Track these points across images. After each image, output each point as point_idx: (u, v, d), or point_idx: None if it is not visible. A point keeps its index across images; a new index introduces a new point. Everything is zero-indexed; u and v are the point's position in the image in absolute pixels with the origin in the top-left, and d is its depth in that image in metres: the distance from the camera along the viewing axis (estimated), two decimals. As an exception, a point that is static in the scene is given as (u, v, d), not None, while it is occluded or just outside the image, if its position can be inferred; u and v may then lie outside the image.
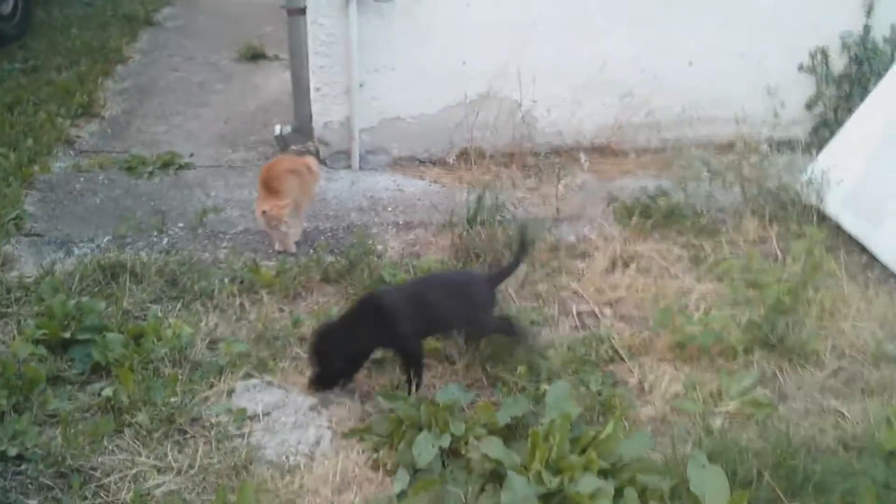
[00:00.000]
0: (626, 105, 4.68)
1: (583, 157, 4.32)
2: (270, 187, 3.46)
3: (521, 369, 2.67)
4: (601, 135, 4.76)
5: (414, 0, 4.19)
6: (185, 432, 2.44)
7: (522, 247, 2.97)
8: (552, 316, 3.10)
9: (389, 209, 4.15)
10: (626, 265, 3.43)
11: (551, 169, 4.40)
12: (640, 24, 4.52)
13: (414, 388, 2.64)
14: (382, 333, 2.63)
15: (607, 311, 3.17)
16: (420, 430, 2.37)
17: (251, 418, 2.54)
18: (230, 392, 2.64)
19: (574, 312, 3.16)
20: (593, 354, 2.84)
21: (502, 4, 4.32)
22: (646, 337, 2.97)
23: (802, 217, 3.78)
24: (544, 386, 2.59)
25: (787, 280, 3.24)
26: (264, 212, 3.38)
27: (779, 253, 3.58)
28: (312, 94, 4.39)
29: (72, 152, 4.64)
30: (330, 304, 3.18)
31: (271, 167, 3.60)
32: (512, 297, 3.23)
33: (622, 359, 2.86)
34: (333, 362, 2.62)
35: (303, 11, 4.21)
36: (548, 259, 3.49)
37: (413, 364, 2.67)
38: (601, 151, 4.77)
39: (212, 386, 2.65)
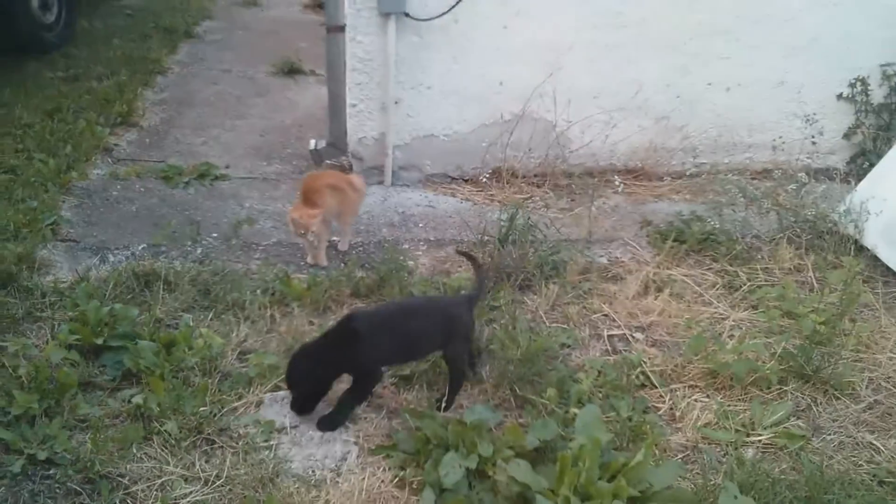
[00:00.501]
0: (662, 128, 4.67)
1: (617, 179, 4.29)
2: (308, 198, 3.48)
3: (551, 392, 2.64)
4: (635, 157, 4.74)
5: (452, 20, 4.21)
6: (213, 442, 2.45)
7: (479, 267, 2.95)
8: (583, 339, 3.08)
9: (420, 225, 4.16)
10: (658, 290, 3.40)
11: (584, 190, 4.38)
12: (675, 50, 4.51)
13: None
14: (347, 357, 2.52)
15: (639, 335, 3.14)
16: (447, 449, 2.35)
17: (279, 431, 2.53)
18: (258, 403, 2.64)
19: (605, 336, 3.13)
20: (624, 379, 2.80)
21: (539, 27, 4.33)
22: (678, 363, 2.93)
23: (839, 247, 3.73)
24: (574, 410, 2.57)
25: (824, 310, 3.19)
26: (293, 219, 3.40)
27: (815, 283, 3.54)
28: (348, 110, 4.43)
29: (110, 160, 4.71)
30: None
31: (313, 179, 3.62)
32: (542, 318, 3.20)
33: (653, 385, 2.83)
34: (307, 385, 2.57)
35: (342, 29, 4.25)
36: (579, 281, 3.47)
37: (360, 392, 2.59)
38: (635, 174, 4.75)
39: (241, 397, 2.66)
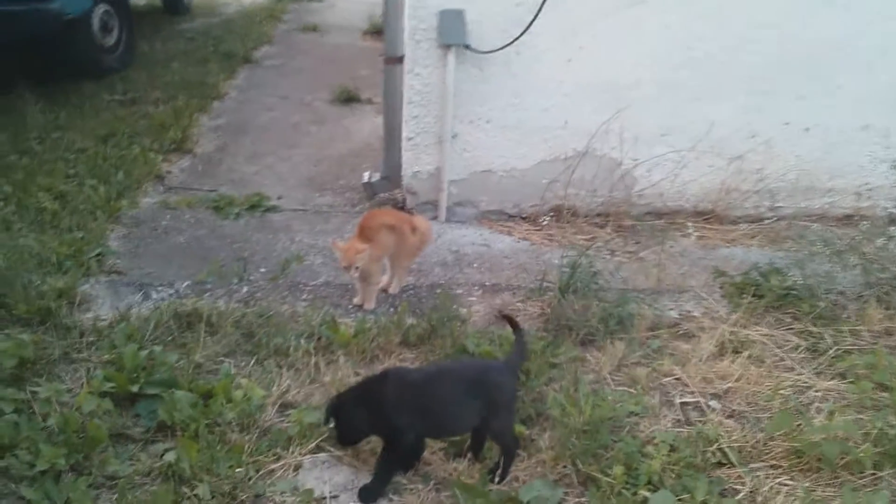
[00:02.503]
0: (735, 170, 4.38)
1: (689, 223, 4.02)
2: (362, 235, 3.31)
3: (618, 469, 2.37)
4: (706, 199, 4.46)
5: (514, 52, 4.01)
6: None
7: (519, 331, 2.68)
8: (653, 406, 2.80)
9: (475, 265, 3.95)
10: (736, 351, 3.10)
11: (649, 232, 4.12)
12: (751, 88, 4.24)
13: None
14: (375, 417, 2.33)
15: (715, 404, 2.85)
16: (501, 533, 2.12)
17: (317, 501, 2.33)
18: (297, 467, 2.44)
19: (677, 403, 2.85)
20: (699, 457, 2.52)
21: (605, 62, 4.11)
22: (759, 439, 2.63)
23: (935, 308, 3.39)
24: (643, 492, 2.31)
25: (923, 382, 2.86)
26: (339, 249, 3.22)
27: (909, 349, 3.20)
28: (404, 143, 4.27)
29: (161, 188, 4.63)
30: (408, 371, 2.97)
31: (371, 217, 3.44)
32: (607, 380, 2.95)
33: (732, 464, 2.54)
34: (345, 429, 2.41)
35: (400, 60, 4.11)
36: (647, 338, 3.20)
37: (392, 458, 2.37)
38: (705, 217, 4.46)
39: (278, 458, 2.46)
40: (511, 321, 2.73)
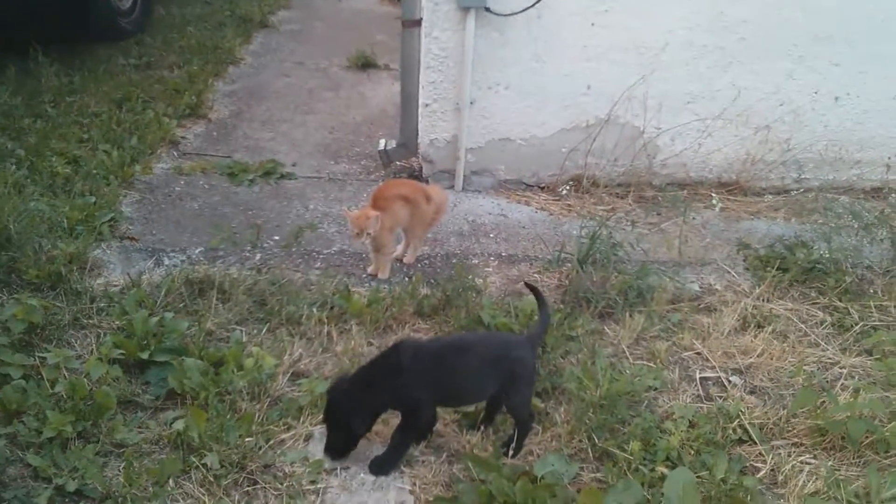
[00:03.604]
0: (762, 140, 4.26)
1: (714, 195, 3.91)
2: (376, 205, 3.24)
3: (635, 445, 2.31)
4: (730, 170, 4.35)
5: (535, 15, 3.89)
6: (256, 482, 2.22)
7: (544, 304, 2.60)
8: (672, 381, 2.73)
9: (491, 236, 3.87)
10: (759, 326, 3.02)
11: (671, 203, 4.01)
12: (780, 55, 4.10)
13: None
14: (392, 390, 2.25)
15: (736, 379, 2.77)
16: (514, 508, 2.07)
17: (328, 472, 2.28)
18: (308, 437, 2.40)
19: (697, 379, 2.77)
20: (719, 433, 2.45)
21: (631, 25, 3.97)
22: (781, 416, 2.56)
23: (967, 282, 3.28)
24: (661, 468, 2.25)
25: (952, 360, 2.77)
26: (350, 217, 3.16)
27: (939, 324, 3.10)
28: (421, 110, 4.17)
29: (175, 153, 4.57)
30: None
31: (386, 187, 3.38)
32: (625, 354, 2.87)
33: (753, 441, 2.47)
34: (347, 424, 2.26)
35: (418, 23, 3.99)
36: (668, 311, 3.12)
37: (409, 430, 2.31)
38: (729, 188, 4.35)
39: (289, 428, 2.42)
40: (535, 291, 2.66)
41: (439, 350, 2.39)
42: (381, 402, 2.29)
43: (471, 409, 2.52)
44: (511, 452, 2.36)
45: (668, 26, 3.99)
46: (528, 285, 2.76)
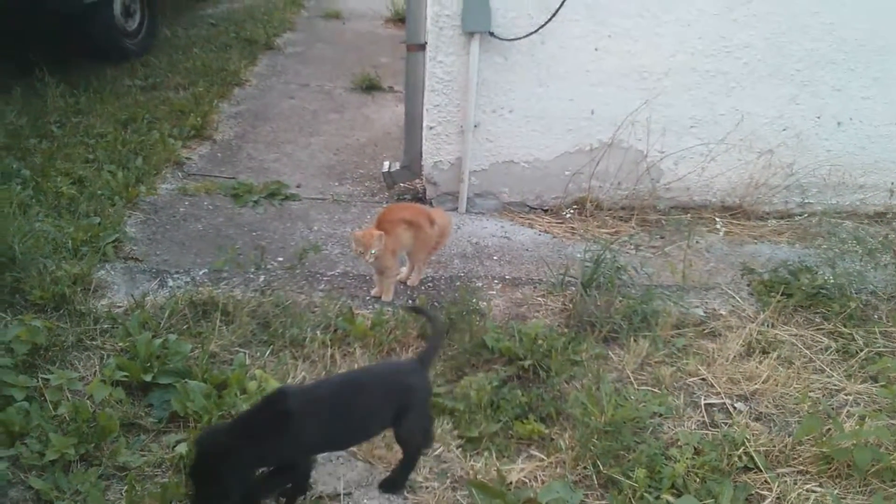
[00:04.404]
0: (765, 164, 4.27)
1: (716, 218, 3.91)
2: (380, 228, 3.24)
3: (640, 472, 2.30)
4: (734, 194, 4.35)
5: (539, 41, 3.92)
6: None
7: (435, 322, 2.53)
8: (677, 407, 2.71)
9: (495, 258, 3.87)
10: (764, 352, 3.01)
11: (675, 227, 4.01)
12: (783, 81, 4.11)
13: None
14: (273, 446, 2.02)
15: (741, 406, 2.76)
16: (518, 536, 2.05)
17: (330, 497, 2.27)
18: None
19: (702, 405, 2.76)
20: (725, 461, 2.44)
21: (634, 51, 3.99)
22: (787, 443, 2.55)
23: (972, 310, 3.28)
24: (666, 496, 2.23)
25: (958, 388, 2.75)
26: (354, 236, 3.16)
27: (944, 352, 3.09)
28: (425, 132, 4.19)
29: (180, 174, 4.59)
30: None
31: (389, 211, 3.40)
32: (630, 379, 2.86)
33: (758, 468, 2.45)
34: (227, 482, 1.97)
35: (422, 47, 4.02)
36: (672, 336, 3.11)
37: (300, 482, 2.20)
38: (732, 212, 4.35)
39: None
40: (425, 314, 2.56)
41: (329, 391, 2.21)
42: (260, 460, 2.08)
43: (475, 433, 2.50)
44: (390, 485, 2.30)
45: (671, 51, 4.01)
46: (413, 308, 2.70)
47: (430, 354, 2.40)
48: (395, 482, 2.31)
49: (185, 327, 2.98)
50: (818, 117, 4.24)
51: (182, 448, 2.33)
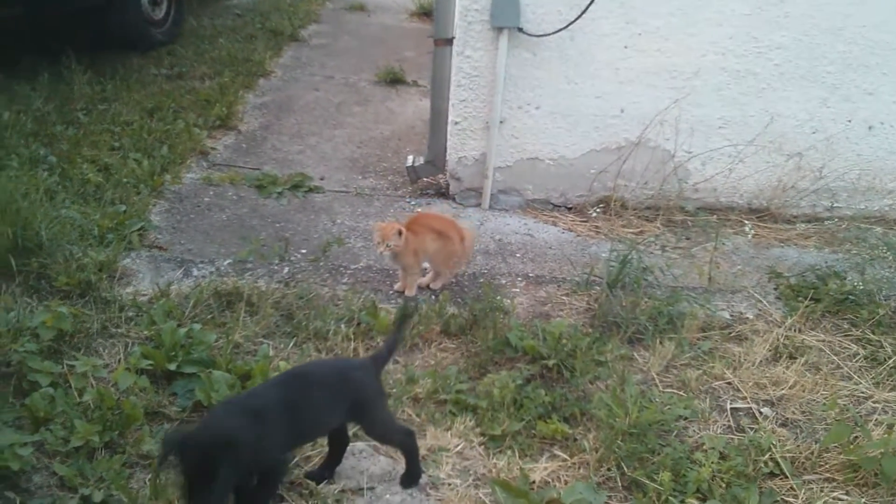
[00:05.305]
0: (794, 167, 4.22)
1: (745, 221, 3.87)
2: (410, 229, 3.22)
3: (665, 476, 2.27)
4: (761, 196, 4.31)
5: (568, 37, 3.89)
6: (282, 498, 2.20)
7: (401, 322, 2.41)
8: (702, 411, 2.68)
9: (518, 255, 3.85)
10: (791, 357, 2.97)
11: (702, 228, 3.97)
12: (815, 83, 4.07)
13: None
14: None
15: (767, 411, 2.73)
16: (542, 537, 2.04)
17: (353, 491, 2.26)
18: (334, 455, 2.38)
19: (728, 409, 2.73)
20: (750, 466, 2.40)
21: (664, 49, 3.96)
22: (813, 450, 2.51)
23: None
24: (691, 501, 2.21)
25: None
26: (376, 226, 3.16)
27: (975, 362, 3.03)
28: (450, 128, 4.17)
29: (205, 164, 4.60)
30: (447, 360, 2.89)
31: (423, 217, 3.41)
32: (655, 381, 2.84)
33: (784, 475, 2.42)
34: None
35: (450, 42, 4.00)
36: (698, 339, 3.08)
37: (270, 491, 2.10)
38: (759, 214, 4.30)
39: (315, 445, 2.40)
40: (399, 321, 2.43)
41: (279, 387, 2.13)
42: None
43: (498, 431, 2.49)
44: (408, 481, 2.29)
45: (701, 51, 3.97)
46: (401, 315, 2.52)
47: (385, 354, 2.31)
48: (410, 476, 2.31)
49: (209, 317, 2.98)
50: (849, 121, 4.18)
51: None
